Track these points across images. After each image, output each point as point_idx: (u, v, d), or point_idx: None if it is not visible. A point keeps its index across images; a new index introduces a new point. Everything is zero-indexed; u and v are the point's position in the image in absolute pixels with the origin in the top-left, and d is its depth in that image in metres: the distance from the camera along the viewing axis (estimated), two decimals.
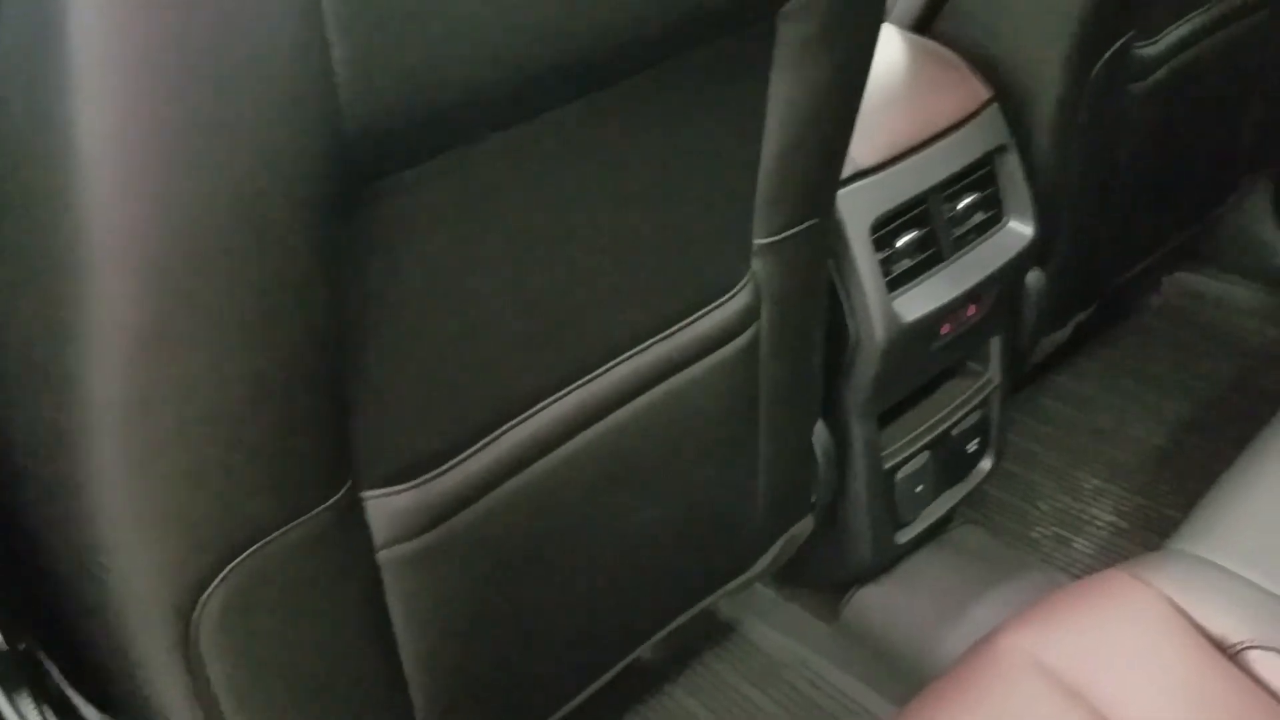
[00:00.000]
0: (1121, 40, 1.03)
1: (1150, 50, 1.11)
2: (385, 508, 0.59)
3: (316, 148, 0.44)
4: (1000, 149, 1.02)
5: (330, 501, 0.55)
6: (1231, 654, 0.67)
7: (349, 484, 0.56)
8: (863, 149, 0.93)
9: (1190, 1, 1.15)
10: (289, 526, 0.54)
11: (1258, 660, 0.67)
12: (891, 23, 1.09)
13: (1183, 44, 1.15)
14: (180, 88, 0.41)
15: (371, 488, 0.59)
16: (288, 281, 0.47)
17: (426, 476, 0.61)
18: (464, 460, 0.62)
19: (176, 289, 0.44)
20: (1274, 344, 1.60)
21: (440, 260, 0.55)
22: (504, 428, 0.64)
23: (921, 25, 1.07)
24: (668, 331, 0.74)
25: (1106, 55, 1.02)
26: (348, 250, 0.49)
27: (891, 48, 1.05)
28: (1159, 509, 1.33)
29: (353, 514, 0.58)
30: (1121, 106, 1.10)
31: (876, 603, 1.14)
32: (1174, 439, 1.43)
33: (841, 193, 0.91)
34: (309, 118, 0.43)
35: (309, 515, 0.55)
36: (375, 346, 0.54)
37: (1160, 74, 1.13)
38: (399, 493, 0.60)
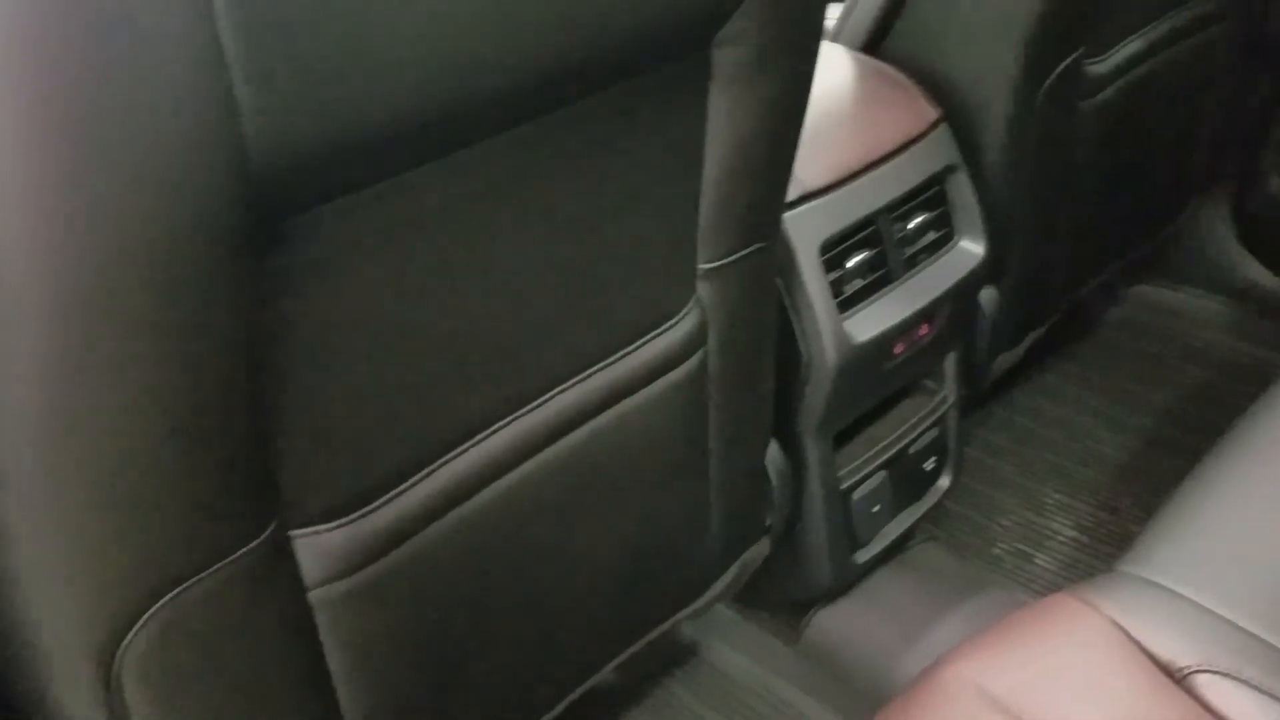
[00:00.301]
0: (1070, 58, 1.03)
1: (1099, 68, 1.11)
2: (315, 546, 0.58)
3: (223, 187, 0.43)
4: (950, 168, 1.02)
5: (255, 542, 0.54)
6: (1179, 679, 0.67)
7: (275, 523, 0.55)
8: (811, 171, 0.93)
9: (1138, 19, 1.16)
10: (212, 569, 0.53)
11: (1205, 685, 0.67)
12: (841, 43, 1.09)
13: (1132, 61, 1.15)
14: (82, 129, 0.40)
15: (300, 526, 0.57)
16: (200, 321, 0.46)
17: (358, 513, 0.60)
18: (398, 495, 0.61)
19: (86, 330, 0.43)
20: (1235, 355, 1.60)
21: (367, 292, 0.55)
22: (440, 461, 0.63)
23: (871, 46, 1.07)
24: (612, 358, 0.73)
25: (1055, 73, 1.02)
26: (265, 286, 0.49)
27: (840, 69, 1.05)
28: (1121, 523, 1.33)
29: (280, 554, 0.57)
30: (1071, 124, 1.10)
31: (837, 624, 1.14)
32: (1136, 452, 1.44)
33: (790, 215, 0.91)
34: (214, 157, 0.42)
35: (233, 557, 0.53)
36: (298, 382, 0.53)
37: (1110, 91, 1.13)
38: (329, 530, 0.58)
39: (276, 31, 0.42)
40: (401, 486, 0.62)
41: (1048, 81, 1.02)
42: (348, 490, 0.59)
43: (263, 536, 0.54)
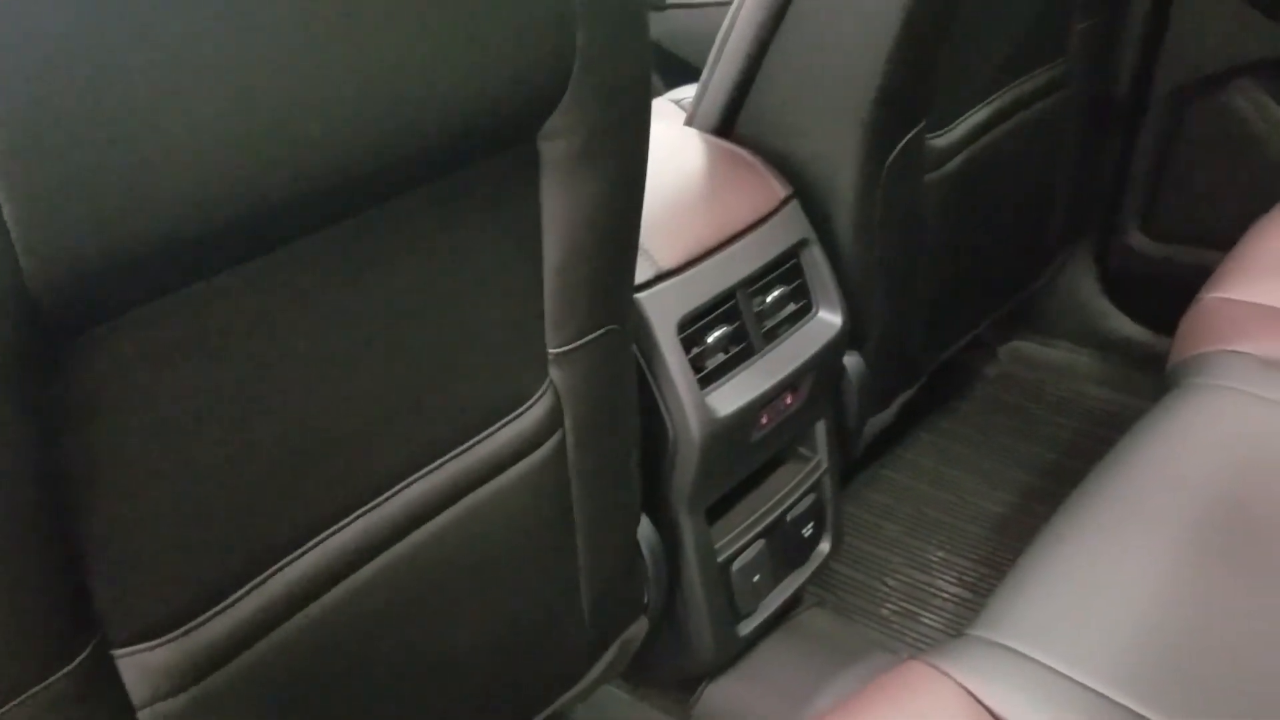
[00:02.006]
0: (910, 134, 1.08)
1: (942, 141, 1.16)
2: (141, 665, 0.56)
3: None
4: (803, 243, 1.05)
5: (73, 665, 0.52)
6: None
7: (94, 643, 0.54)
8: (665, 251, 0.95)
9: (979, 92, 1.22)
10: (29, 693, 0.51)
11: None
12: (695, 127, 1.13)
13: (975, 132, 1.21)
14: None
15: (124, 644, 0.56)
16: None
17: (186, 628, 0.58)
18: (230, 607, 0.60)
19: None
20: (1107, 406, 1.67)
21: (180, 399, 0.54)
22: (275, 567, 0.62)
23: (723, 129, 1.11)
24: (462, 447, 0.73)
25: (897, 149, 1.07)
26: (60, 404, 0.48)
27: (693, 151, 1.08)
28: (1002, 578, 1.36)
29: (102, 674, 0.55)
30: (918, 195, 1.15)
31: (726, 698, 1.13)
32: (1013, 506, 1.47)
33: (646, 294, 0.93)
34: None
35: (50, 680, 0.52)
36: (110, 497, 0.52)
37: (955, 162, 1.19)
38: (155, 648, 0.57)
39: (46, 146, 0.42)
40: (232, 597, 0.60)
41: (891, 157, 1.07)
42: (172, 605, 0.57)
43: (81, 657, 0.53)
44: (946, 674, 0.71)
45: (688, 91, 1.16)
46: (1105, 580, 0.79)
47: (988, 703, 0.69)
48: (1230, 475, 0.87)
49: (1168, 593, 0.77)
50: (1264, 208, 1.28)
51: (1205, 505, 0.84)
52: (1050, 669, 0.72)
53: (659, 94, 1.28)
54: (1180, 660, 0.72)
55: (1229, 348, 1.04)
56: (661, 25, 1.99)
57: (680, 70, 2.00)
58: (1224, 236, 1.26)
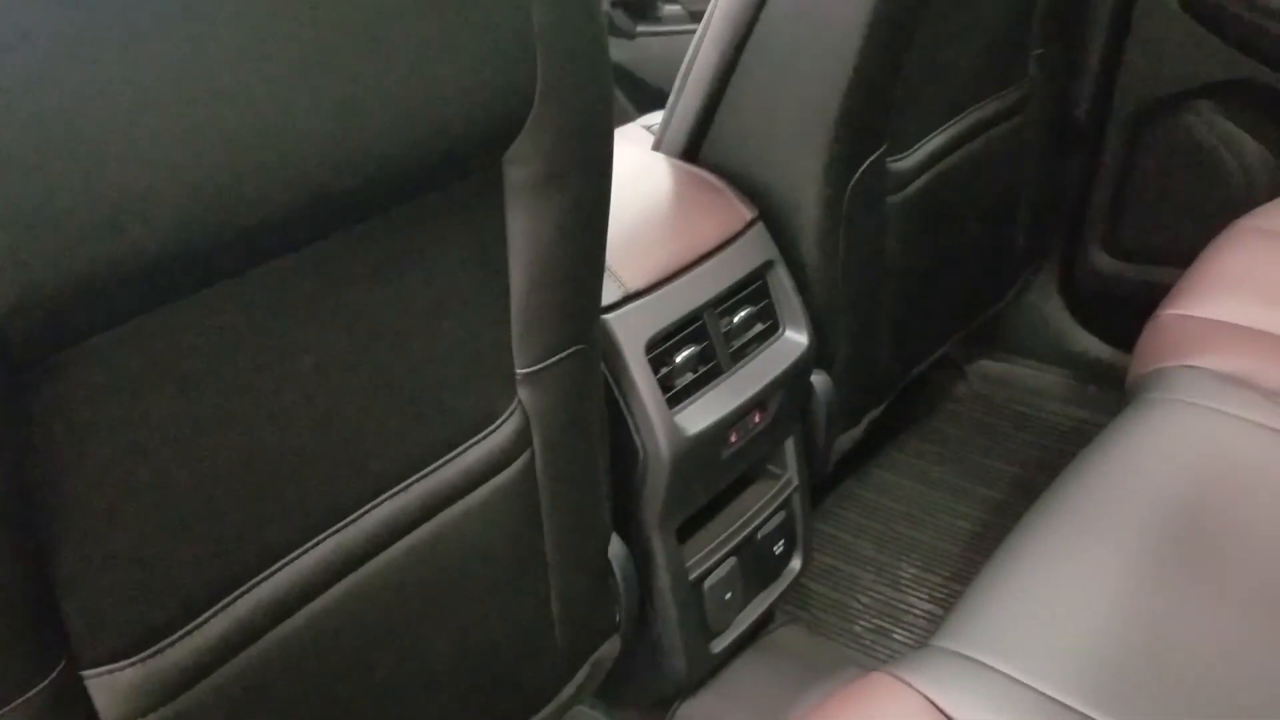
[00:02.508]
0: (871, 157, 1.10)
1: (904, 164, 1.19)
2: (110, 685, 0.57)
3: None
4: (769, 264, 1.07)
5: (41, 685, 0.53)
6: None
7: (63, 664, 0.54)
8: (632, 273, 0.97)
9: (938, 117, 1.24)
10: None
11: None
12: (662, 151, 1.15)
13: (936, 156, 1.23)
14: None
15: (94, 665, 0.56)
16: None
17: (155, 648, 0.58)
18: (198, 628, 0.60)
19: None
20: (1074, 423, 1.69)
21: (147, 422, 0.54)
22: (244, 587, 0.62)
23: (689, 154, 1.13)
24: (431, 467, 0.74)
25: (859, 171, 1.09)
26: (27, 428, 0.48)
27: (659, 176, 1.10)
28: None
29: (72, 695, 0.55)
30: (882, 217, 1.17)
31: (701, 716, 1.14)
32: (983, 522, 1.49)
33: (613, 315, 0.94)
34: None
35: (17, 702, 0.52)
36: (78, 519, 0.53)
37: (917, 184, 1.21)
38: (125, 668, 0.57)
39: (4, 174, 0.43)
40: (201, 618, 0.60)
41: (853, 179, 1.09)
42: (141, 626, 0.58)
43: (50, 678, 0.53)
44: (908, 684, 0.72)
45: (658, 117, 1.18)
46: (1065, 590, 0.80)
47: (949, 711, 0.71)
48: (1187, 487, 0.89)
49: (1126, 602, 0.79)
50: (1221, 225, 1.31)
51: (1163, 517, 0.86)
52: (1010, 678, 0.74)
53: (630, 119, 1.31)
54: (1138, 668, 0.74)
55: (1186, 363, 1.06)
56: (633, 52, 2.02)
57: (651, 96, 2.03)
58: (1184, 254, 1.29)
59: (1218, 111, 1.50)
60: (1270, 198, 1.36)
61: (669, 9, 2.02)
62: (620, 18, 2.01)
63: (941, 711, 0.71)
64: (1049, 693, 0.73)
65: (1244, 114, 1.48)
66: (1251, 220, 1.28)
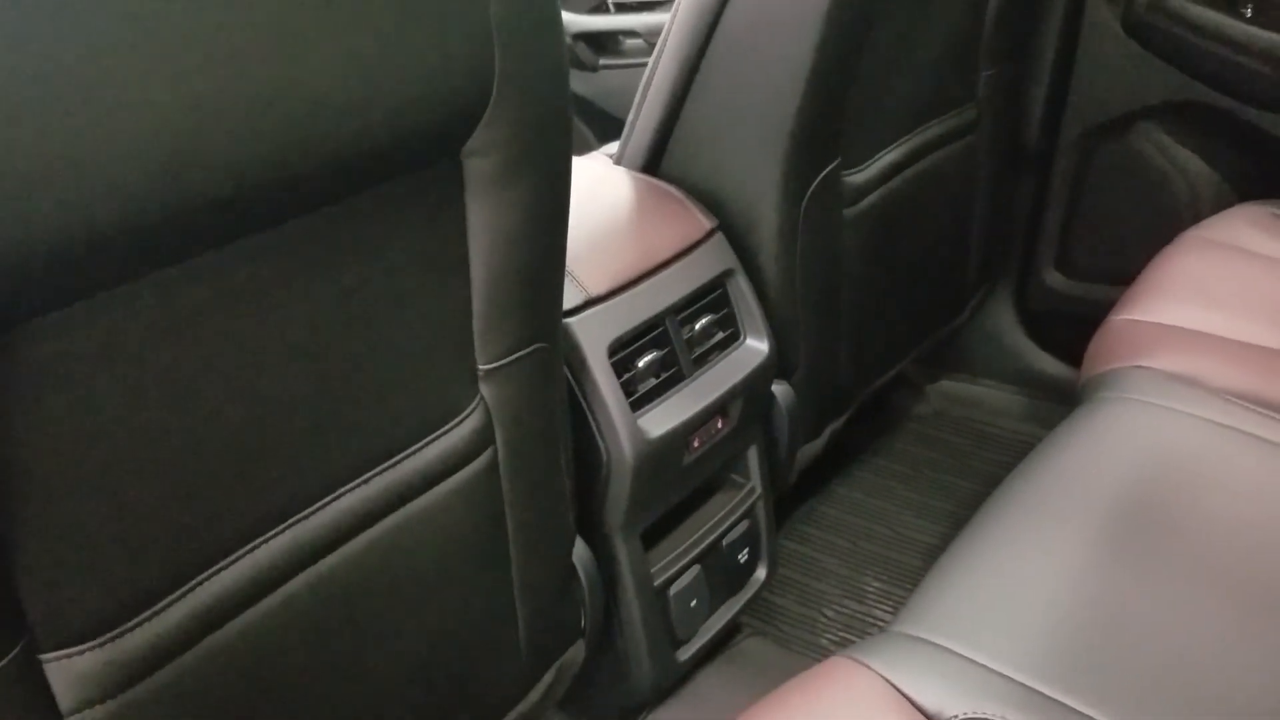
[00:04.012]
0: (827, 169, 1.13)
1: (858, 178, 1.21)
2: (69, 670, 0.56)
3: None
4: (728, 272, 1.09)
5: None
6: None
7: (21, 646, 0.54)
8: (594, 279, 0.98)
9: (891, 133, 1.27)
10: None
11: None
12: (624, 165, 1.17)
13: (889, 171, 1.26)
14: None
15: (53, 649, 0.56)
16: None
17: (113, 634, 0.58)
18: (156, 614, 0.60)
19: None
20: (1032, 440, 1.71)
21: (105, 402, 0.54)
22: (201, 576, 0.62)
23: (650, 166, 1.15)
24: (392, 460, 0.73)
25: (815, 183, 1.12)
26: None
27: (621, 187, 1.12)
28: None
29: (29, 678, 0.55)
30: (838, 229, 1.19)
31: None
32: (946, 536, 1.51)
33: (575, 319, 0.95)
34: None
35: None
36: (35, 501, 0.52)
37: (872, 198, 1.24)
38: (83, 653, 0.57)
39: None
40: (159, 604, 0.60)
41: (809, 191, 1.11)
42: (99, 611, 0.57)
43: (6, 660, 0.53)
44: (868, 667, 0.73)
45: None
46: (1020, 576, 0.82)
47: (908, 693, 0.71)
48: (1137, 478, 0.91)
49: (1079, 586, 0.80)
50: (1169, 242, 1.34)
51: (1114, 506, 0.88)
52: (969, 659, 0.75)
53: (593, 148, 1.33)
54: (1091, 647, 0.75)
55: (1136, 364, 1.09)
56: (595, 84, 2.06)
57: (615, 127, 2.06)
58: (1135, 271, 1.32)
59: (1164, 132, 1.54)
60: (1215, 214, 1.41)
61: (631, 42, 2.06)
62: (583, 50, 2.05)
63: (901, 693, 0.72)
64: (1007, 673, 0.74)
65: (1189, 134, 1.53)
66: (1198, 231, 1.32)
